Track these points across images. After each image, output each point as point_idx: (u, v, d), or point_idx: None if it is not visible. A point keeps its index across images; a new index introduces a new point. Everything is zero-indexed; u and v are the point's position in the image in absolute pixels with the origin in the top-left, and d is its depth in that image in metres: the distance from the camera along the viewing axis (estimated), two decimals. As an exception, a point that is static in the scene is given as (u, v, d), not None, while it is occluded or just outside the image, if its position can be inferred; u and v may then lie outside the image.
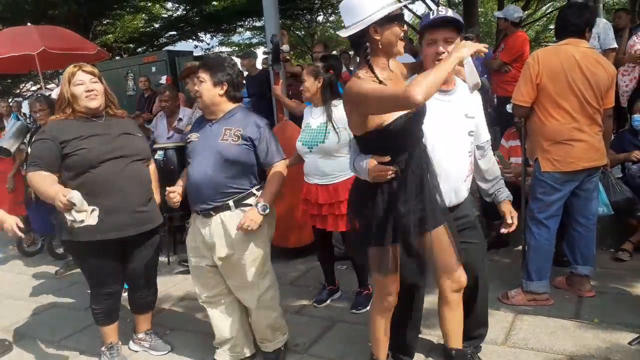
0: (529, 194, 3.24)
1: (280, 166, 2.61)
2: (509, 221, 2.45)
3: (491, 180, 2.52)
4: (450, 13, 2.14)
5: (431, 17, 2.15)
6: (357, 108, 1.99)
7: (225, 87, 2.57)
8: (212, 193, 2.51)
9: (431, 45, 2.15)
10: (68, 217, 2.28)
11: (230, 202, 2.52)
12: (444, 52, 2.08)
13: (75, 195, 2.24)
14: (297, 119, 4.49)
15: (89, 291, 2.90)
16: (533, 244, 3.14)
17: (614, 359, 2.54)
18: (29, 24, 6.21)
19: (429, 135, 2.16)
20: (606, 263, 3.73)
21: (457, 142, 2.27)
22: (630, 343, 2.64)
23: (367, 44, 1.95)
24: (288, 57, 4.77)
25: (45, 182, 2.49)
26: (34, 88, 18.19)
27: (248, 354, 2.82)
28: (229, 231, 2.54)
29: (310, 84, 3.24)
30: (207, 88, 2.54)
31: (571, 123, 2.99)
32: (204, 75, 2.55)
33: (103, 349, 2.97)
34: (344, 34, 1.96)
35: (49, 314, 3.90)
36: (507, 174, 3.76)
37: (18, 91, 19.32)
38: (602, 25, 4.94)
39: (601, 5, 10.70)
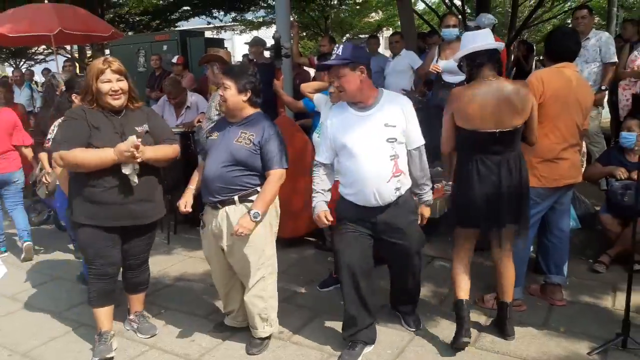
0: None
1: (275, 175, 2.78)
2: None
3: (418, 185, 2.91)
4: (339, 52, 2.68)
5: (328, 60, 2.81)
6: None
7: (249, 94, 2.81)
8: (220, 188, 2.78)
9: (332, 82, 2.86)
10: (126, 169, 2.73)
11: (235, 198, 2.78)
12: (338, 86, 2.73)
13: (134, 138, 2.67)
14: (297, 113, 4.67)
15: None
16: (510, 252, 3.32)
17: (571, 367, 2.74)
18: (46, 1, 6.36)
19: (350, 144, 2.71)
20: (582, 274, 3.91)
21: (375, 148, 2.69)
22: (588, 353, 2.84)
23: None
24: (289, 54, 4.91)
25: (89, 151, 2.68)
26: (46, 52, 18.48)
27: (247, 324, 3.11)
28: (232, 223, 2.78)
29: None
30: (232, 94, 2.78)
31: (562, 143, 3.14)
32: (229, 83, 2.78)
33: (96, 336, 3.05)
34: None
35: (52, 284, 4.14)
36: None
37: (31, 52, 19.56)
38: (605, 39, 5.02)
39: (615, 9, 10.73)
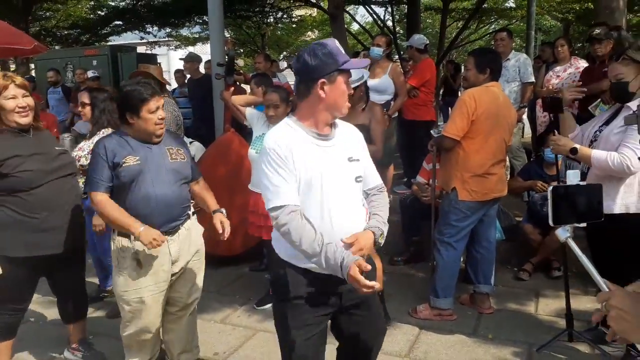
0: (440, 217, 3.53)
1: (202, 180, 2.87)
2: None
3: None
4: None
5: None
6: None
7: None
8: (181, 209, 2.64)
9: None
10: None
11: (190, 212, 2.73)
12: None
13: None
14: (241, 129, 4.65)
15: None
16: (441, 264, 3.44)
17: (498, 372, 2.87)
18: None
19: (318, 187, 1.91)
20: (508, 282, 4.11)
21: (346, 191, 1.97)
22: (537, 350, 3.03)
23: None
24: (242, 72, 4.95)
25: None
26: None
27: None
28: (194, 236, 2.73)
29: (283, 109, 3.47)
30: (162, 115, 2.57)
31: (491, 159, 3.30)
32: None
33: None
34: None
35: None
36: (424, 197, 4.07)
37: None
38: (523, 60, 5.35)
39: (533, 32, 11.50)
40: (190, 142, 5.29)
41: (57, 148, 2.75)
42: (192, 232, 2.71)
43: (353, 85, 3.00)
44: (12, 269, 2.61)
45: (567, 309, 3.10)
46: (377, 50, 5.09)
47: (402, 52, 10.93)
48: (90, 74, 7.57)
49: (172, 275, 2.64)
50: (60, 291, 2.99)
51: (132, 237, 2.45)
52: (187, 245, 2.67)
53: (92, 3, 15.84)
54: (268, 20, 17.89)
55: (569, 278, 3.21)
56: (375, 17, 13.98)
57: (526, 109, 5.69)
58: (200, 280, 2.81)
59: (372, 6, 13.97)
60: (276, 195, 1.87)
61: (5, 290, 2.71)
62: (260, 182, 1.96)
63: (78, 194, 2.86)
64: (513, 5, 16.20)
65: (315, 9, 16.24)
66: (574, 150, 2.73)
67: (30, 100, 2.64)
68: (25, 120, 2.62)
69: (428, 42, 5.81)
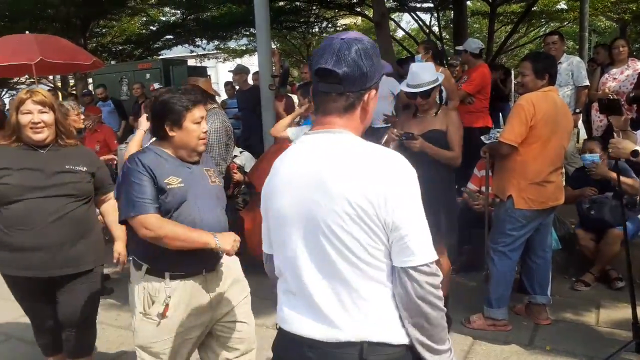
0: (494, 225, 3.45)
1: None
2: None
3: None
4: None
5: None
6: None
7: None
8: None
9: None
10: None
11: None
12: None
13: None
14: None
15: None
16: (495, 274, 3.36)
17: (557, 386, 2.77)
18: (27, 32, 6.44)
19: None
20: (565, 292, 3.97)
21: None
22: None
23: None
24: (295, 83, 5.07)
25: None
26: (28, 81, 18.43)
27: None
28: (233, 269, 2.39)
29: None
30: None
31: (550, 166, 3.20)
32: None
33: None
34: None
35: (6, 346, 3.67)
36: (475, 205, 3.99)
37: (13, 82, 19.48)
38: (576, 63, 5.18)
39: (586, 34, 11.11)
40: (241, 152, 5.43)
41: (67, 167, 2.53)
42: (230, 262, 2.35)
43: (427, 88, 3.13)
44: (12, 285, 2.59)
45: (633, 318, 2.94)
46: (418, 58, 5.08)
47: (449, 58, 10.80)
48: (156, 85, 7.91)
49: (219, 320, 2.30)
50: (60, 320, 2.65)
51: (167, 276, 2.12)
52: (229, 281, 2.32)
53: (145, 19, 16.51)
54: (313, 31, 18.08)
55: (634, 289, 3.06)
56: (420, 23, 13.88)
57: (581, 115, 5.49)
58: (250, 326, 2.42)
59: (418, 12, 13.89)
60: (430, 242, 1.30)
61: (22, 307, 2.68)
62: (413, 224, 1.28)
63: (76, 217, 2.54)
64: (565, 6, 15.70)
65: (360, 17, 16.28)
66: (635, 153, 2.63)
67: (47, 117, 2.51)
68: (39, 136, 2.49)
69: (483, 46, 5.72)
